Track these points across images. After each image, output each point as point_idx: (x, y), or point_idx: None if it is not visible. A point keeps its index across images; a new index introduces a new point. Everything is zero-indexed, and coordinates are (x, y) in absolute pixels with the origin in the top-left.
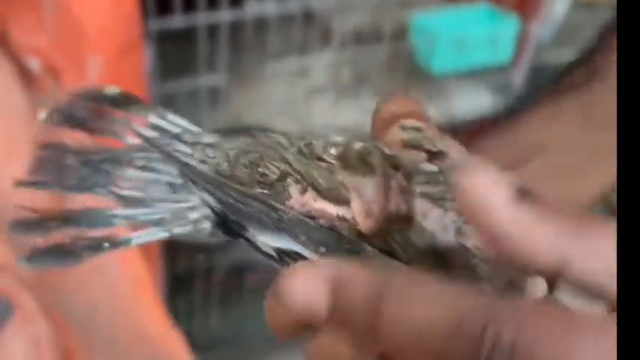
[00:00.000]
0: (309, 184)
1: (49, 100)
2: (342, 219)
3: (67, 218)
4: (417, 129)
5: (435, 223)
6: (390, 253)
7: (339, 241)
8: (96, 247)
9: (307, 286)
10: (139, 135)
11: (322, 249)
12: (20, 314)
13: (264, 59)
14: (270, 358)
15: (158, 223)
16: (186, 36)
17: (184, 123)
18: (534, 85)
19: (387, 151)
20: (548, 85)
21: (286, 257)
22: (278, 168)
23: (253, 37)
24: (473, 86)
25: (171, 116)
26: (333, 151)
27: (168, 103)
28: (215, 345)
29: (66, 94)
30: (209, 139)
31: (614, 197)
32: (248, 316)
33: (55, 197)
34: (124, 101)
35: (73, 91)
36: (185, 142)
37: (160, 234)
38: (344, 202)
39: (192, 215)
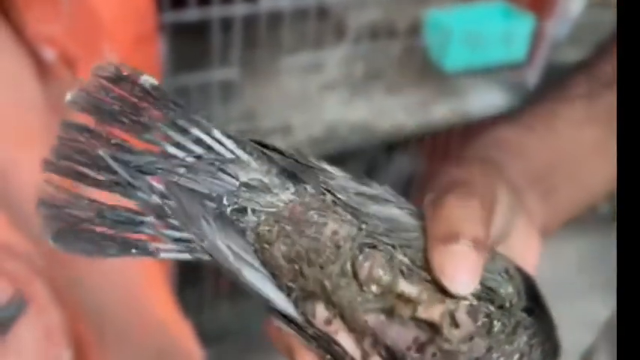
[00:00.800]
0: (338, 314)
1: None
2: None
3: (97, 209)
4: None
5: None
6: None
7: None
8: (124, 249)
9: None
10: (184, 150)
11: (328, 357)
12: (33, 304)
13: (277, 54)
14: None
15: (185, 244)
16: (200, 29)
17: (229, 143)
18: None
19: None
20: (580, 77)
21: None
22: (313, 287)
23: (267, 31)
24: (486, 84)
25: (216, 133)
26: (374, 288)
27: (181, 96)
28: (224, 337)
29: (95, 71)
30: (254, 174)
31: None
32: (257, 308)
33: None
34: (160, 96)
35: (102, 71)
36: (230, 175)
37: (185, 255)
38: (364, 348)
39: None
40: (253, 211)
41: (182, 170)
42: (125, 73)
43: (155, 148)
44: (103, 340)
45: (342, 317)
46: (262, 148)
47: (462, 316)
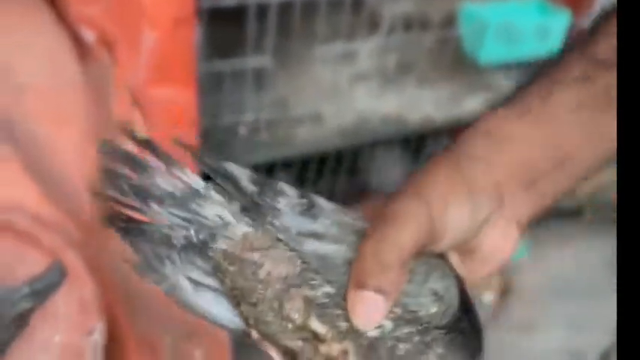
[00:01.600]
0: (266, 338)
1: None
2: None
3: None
4: None
5: None
6: None
7: None
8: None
9: None
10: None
11: None
12: (69, 276)
13: (311, 43)
14: None
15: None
16: (235, 16)
17: (197, 180)
18: None
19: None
20: (574, 58)
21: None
22: (246, 317)
23: (302, 20)
24: (520, 78)
25: (188, 172)
26: (290, 326)
27: (214, 82)
28: None
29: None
30: (217, 209)
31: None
32: None
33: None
34: (148, 147)
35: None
36: (199, 208)
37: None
38: None
39: None
40: (216, 241)
41: (168, 199)
42: (126, 127)
43: (149, 182)
44: (132, 312)
45: (270, 341)
46: (228, 184)
47: (359, 352)
